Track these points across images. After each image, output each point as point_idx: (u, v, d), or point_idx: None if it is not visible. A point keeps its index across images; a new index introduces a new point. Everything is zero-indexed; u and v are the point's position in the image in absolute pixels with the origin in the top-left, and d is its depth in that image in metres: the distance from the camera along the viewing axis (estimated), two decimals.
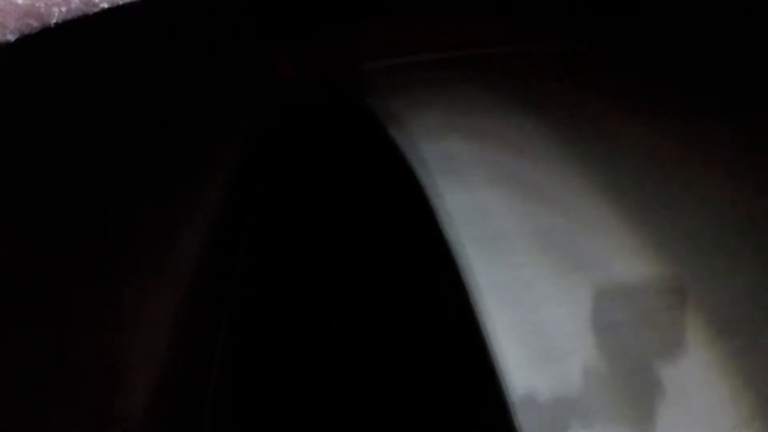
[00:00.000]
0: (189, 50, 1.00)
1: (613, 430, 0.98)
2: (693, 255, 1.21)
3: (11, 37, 0.43)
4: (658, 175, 1.38)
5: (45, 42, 0.44)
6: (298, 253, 1.25)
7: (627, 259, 1.21)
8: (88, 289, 0.70)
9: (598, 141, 1.49)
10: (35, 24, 0.44)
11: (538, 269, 1.20)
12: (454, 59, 1.81)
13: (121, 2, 0.47)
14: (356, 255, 1.23)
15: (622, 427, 0.98)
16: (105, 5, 0.46)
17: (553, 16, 1.79)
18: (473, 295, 1.14)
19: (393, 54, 1.79)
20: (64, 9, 0.44)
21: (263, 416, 1.00)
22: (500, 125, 1.55)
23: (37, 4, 0.43)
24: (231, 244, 1.21)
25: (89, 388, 0.69)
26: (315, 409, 1.00)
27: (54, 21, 0.44)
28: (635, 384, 1.02)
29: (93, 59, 0.67)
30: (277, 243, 1.27)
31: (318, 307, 1.14)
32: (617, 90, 1.66)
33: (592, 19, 1.75)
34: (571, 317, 1.11)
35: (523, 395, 1.00)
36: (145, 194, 0.86)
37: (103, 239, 0.74)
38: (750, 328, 1.09)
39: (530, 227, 1.28)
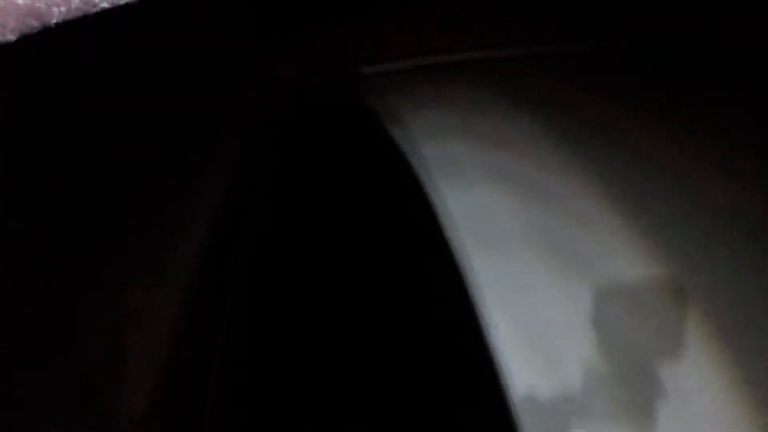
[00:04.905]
0: (189, 50, 1.00)
1: (613, 429, 0.98)
2: (694, 255, 1.21)
3: (11, 37, 0.43)
4: (660, 176, 1.38)
5: (45, 42, 0.44)
6: (298, 254, 1.25)
7: (627, 260, 1.21)
8: (89, 289, 0.70)
9: (599, 142, 1.49)
10: (35, 24, 0.44)
11: (539, 269, 1.20)
12: (456, 59, 1.80)
13: (121, 2, 0.47)
14: (357, 255, 1.23)
15: (622, 427, 0.98)
16: (105, 5, 0.46)
17: (555, 16, 1.79)
18: (474, 295, 1.14)
19: (394, 53, 1.79)
20: (64, 9, 0.44)
21: (263, 416, 1.00)
22: (502, 126, 1.55)
23: (37, 4, 0.43)
24: (231, 244, 1.21)
25: (90, 388, 0.69)
26: (315, 409, 1.00)
27: (54, 21, 0.44)
28: (635, 384, 1.02)
29: (93, 59, 0.67)
30: (278, 243, 1.27)
31: (318, 307, 1.15)
32: (619, 91, 1.66)
33: (594, 19, 1.75)
34: (571, 317, 1.12)
35: (524, 395, 1.00)
36: (145, 194, 0.86)
37: (103, 240, 0.74)
38: (751, 329, 1.09)
39: (531, 227, 1.28)
